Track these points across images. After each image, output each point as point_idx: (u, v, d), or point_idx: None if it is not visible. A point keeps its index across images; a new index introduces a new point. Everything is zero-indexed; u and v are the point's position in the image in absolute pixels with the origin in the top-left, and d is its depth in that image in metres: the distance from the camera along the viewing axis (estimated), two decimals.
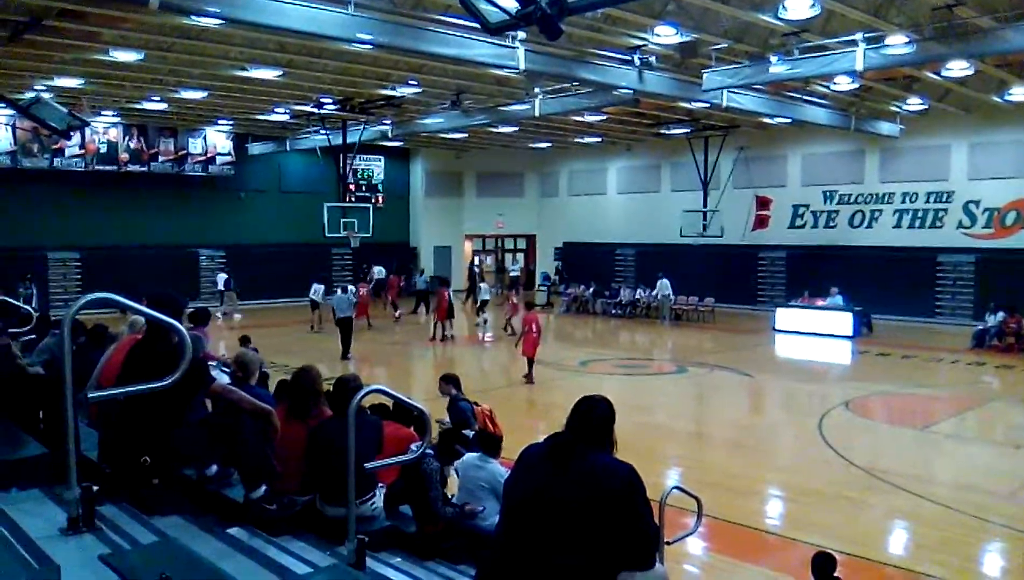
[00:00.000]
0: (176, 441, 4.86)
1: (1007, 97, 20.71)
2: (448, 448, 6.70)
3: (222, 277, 30.04)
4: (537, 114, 21.51)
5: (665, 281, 27.19)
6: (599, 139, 31.91)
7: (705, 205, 29.18)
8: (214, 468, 5.62)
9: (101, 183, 27.76)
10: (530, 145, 34.09)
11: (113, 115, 26.06)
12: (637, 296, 29.10)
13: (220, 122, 28.35)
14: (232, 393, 5.12)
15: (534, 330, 16.61)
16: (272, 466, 5.13)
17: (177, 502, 4.89)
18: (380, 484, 5.60)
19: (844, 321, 23.12)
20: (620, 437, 3.52)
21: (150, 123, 28.06)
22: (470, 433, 6.70)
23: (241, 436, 5.01)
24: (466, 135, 30.30)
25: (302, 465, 5.35)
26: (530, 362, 16.63)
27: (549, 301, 31.93)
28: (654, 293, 27.80)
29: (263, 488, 5.13)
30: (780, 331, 24.19)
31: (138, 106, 23.83)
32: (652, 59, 16.41)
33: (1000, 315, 21.43)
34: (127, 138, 28.10)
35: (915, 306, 25.19)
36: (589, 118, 25.07)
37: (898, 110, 23.34)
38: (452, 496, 6.39)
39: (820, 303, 24.31)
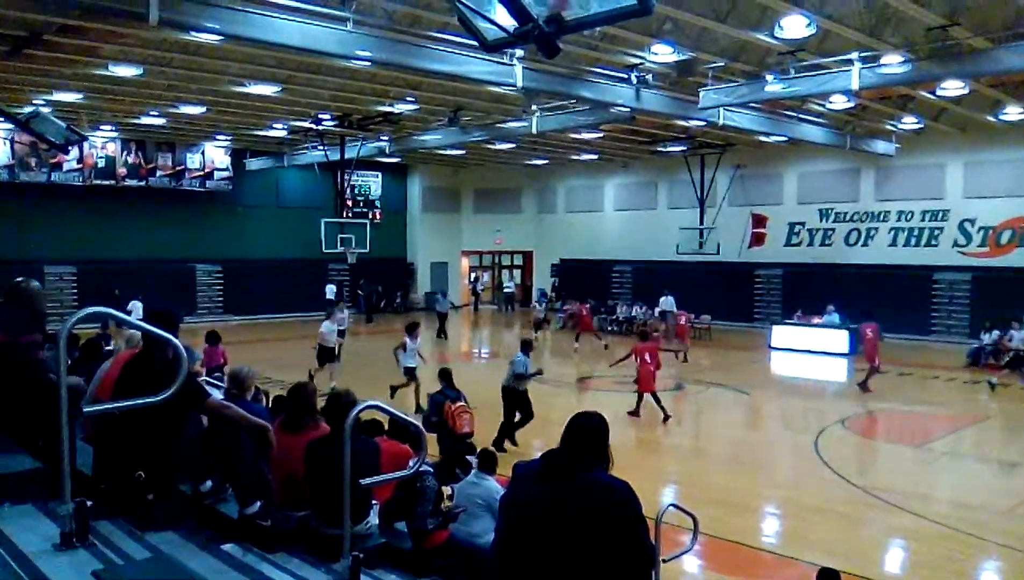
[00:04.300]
0: (171, 456, 4.85)
1: (1002, 117, 20.86)
2: (449, 470, 6.69)
3: (331, 288, 31.14)
4: (534, 131, 21.61)
5: (671, 298, 27.19)
6: (596, 156, 32.02)
7: (701, 222, 29.33)
8: (209, 483, 5.60)
9: (98, 197, 27.80)
10: (527, 162, 34.20)
11: (111, 130, 26.14)
12: (634, 313, 29.09)
13: (218, 137, 28.42)
14: (228, 409, 5.11)
15: (648, 361, 14.80)
16: (267, 482, 5.12)
17: (171, 518, 4.87)
18: (374, 501, 5.58)
19: (840, 339, 23.14)
20: (617, 454, 3.52)
21: (148, 138, 28.15)
22: (474, 459, 6.73)
23: (237, 451, 5.00)
24: (464, 151, 30.39)
25: (296, 480, 5.33)
26: (641, 396, 14.84)
27: (546, 318, 31.93)
28: (657, 310, 27.75)
29: (258, 504, 5.12)
30: (776, 349, 24.19)
31: (136, 121, 23.92)
32: (649, 77, 16.50)
33: (995, 333, 21.47)
34: (125, 153, 28.17)
35: (911, 324, 25.18)
36: (586, 135, 25.17)
37: (893, 129, 23.48)
38: (447, 509, 6.36)
39: (816, 321, 24.33)
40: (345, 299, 31.59)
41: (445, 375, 11.34)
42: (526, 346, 13.43)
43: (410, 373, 14.92)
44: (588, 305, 27.14)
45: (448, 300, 28.71)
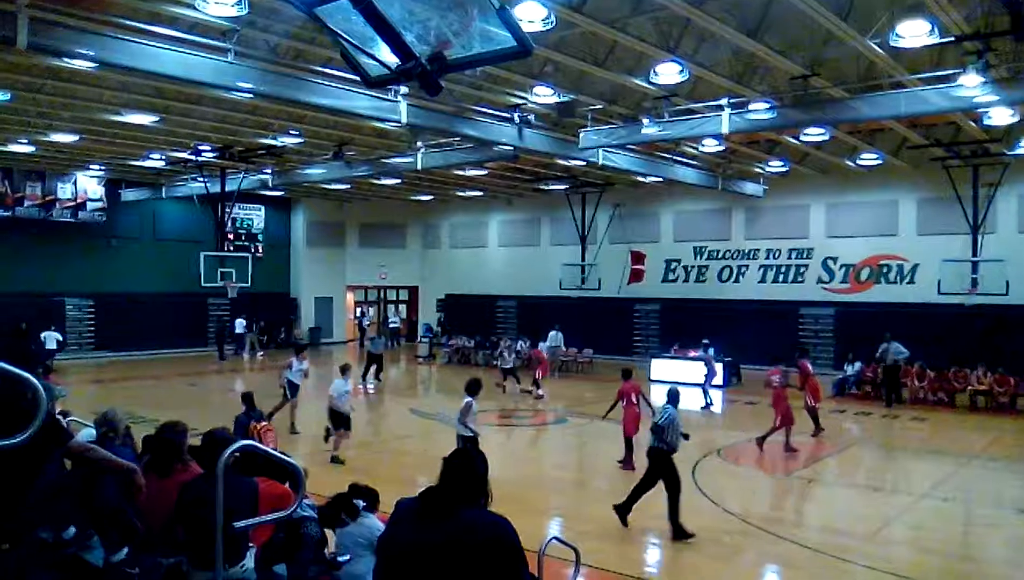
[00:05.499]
0: (30, 502, 4.59)
1: (859, 161, 22.32)
2: (334, 516, 6.54)
3: (240, 322, 30.91)
4: (419, 167, 21.71)
5: (559, 334, 27.51)
6: (480, 193, 32.36)
7: (583, 259, 30.01)
8: (72, 530, 5.33)
9: None
10: (413, 197, 34.22)
11: None
12: (519, 347, 29.27)
13: (92, 167, 27.30)
14: (92, 450, 4.88)
15: (635, 402, 13.83)
16: (135, 527, 4.91)
17: (31, 569, 4.61)
18: (251, 544, 5.41)
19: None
20: (500, 488, 3.56)
21: (16, 166, 26.76)
22: (361, 503, 6.64)
23: (101, 495, 4.78)
24: (349, 186, 30.17)
25: (166, 524, 5.13)
26: (629, 442, 13.88)
27: (431, 353, 31.82)
28: (545, 345, 27.98)
29: (125, 550, 4.90)
30: (655, 381, 24.75)
31: (3, 148, 22.67)
32: (531, 117, 16.90)
33: (858, 365, 22.73)
34: None
35: (780, 357, 26.19)
36: (471, 172, 25.43)
37: (761, 171, 24.74)
38: (329, 554, 6.22)
39: (692, 354, 25.08)
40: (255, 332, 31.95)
41: (247, 398, 12.11)
42: (674, 397, 10.80)
43: (473, 442, 11.15)
44: (539, 347, 26.27)
45: (382, 340, 27.17)
